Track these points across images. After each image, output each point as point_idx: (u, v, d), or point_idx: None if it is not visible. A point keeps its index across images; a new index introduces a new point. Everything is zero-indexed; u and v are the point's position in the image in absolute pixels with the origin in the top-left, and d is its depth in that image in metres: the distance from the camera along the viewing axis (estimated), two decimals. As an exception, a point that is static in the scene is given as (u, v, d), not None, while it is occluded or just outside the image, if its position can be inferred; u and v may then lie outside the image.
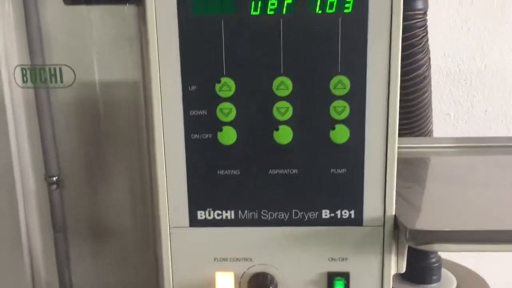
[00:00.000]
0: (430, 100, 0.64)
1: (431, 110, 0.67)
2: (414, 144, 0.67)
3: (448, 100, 1.21)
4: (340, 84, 0.39)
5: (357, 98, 0.40)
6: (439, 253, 0.66)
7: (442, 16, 1.10)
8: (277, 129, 0.40)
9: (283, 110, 0.40)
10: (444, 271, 0.68)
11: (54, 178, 0.55)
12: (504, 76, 1.23)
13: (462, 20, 1.16)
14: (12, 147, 0.51)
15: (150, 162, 0.56)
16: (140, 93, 0.52)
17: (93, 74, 0.49)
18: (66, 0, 0.50)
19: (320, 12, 0.38)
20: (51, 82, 0.42)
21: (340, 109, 0.40)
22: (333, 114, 0.40)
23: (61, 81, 0.42)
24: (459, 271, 0.71)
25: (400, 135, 0.41)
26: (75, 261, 0.61)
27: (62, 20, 0.49)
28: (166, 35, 0.39)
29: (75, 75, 0.43)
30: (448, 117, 1.22)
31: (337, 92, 0.40)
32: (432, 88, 0.78)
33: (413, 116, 0.62)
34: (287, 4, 0.38)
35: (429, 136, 0.69)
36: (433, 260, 0.65)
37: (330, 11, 0.38)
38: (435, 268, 0.65)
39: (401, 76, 0.39)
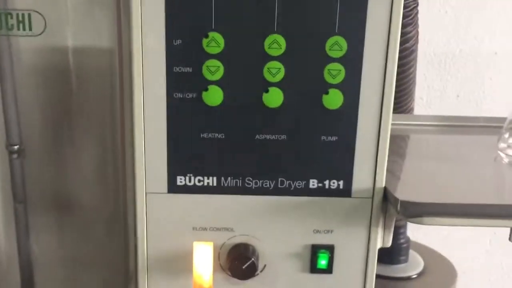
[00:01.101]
0: (414, 76, 0.63)
1: (415, 86, 0.65)
2: (395, 121, 0.65)
3: (421, 84, 1.21)
4: (337, 45, 0.37)
5: (353, 61, 0.37)
6: (408, 234, 0.66)
7: (420, -2, 1.10)
8: (267, 91, 0.38)
9: (274, 71, 0.37)
10: (411, 253, 0.68)
11: (15, 147, 0.51)
12: (477, 61, 1.23)
13: (439, 3, 1.16)
14: None
15: (123, 133, 0.52)
16: (115, 60, 0.48)
17: (64, 32, 0.45)
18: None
19: (319, -35, 0.35)
20: (18, 29, 0.37)
21: (335, 73, 0.37)
22: (327, 77, 0.37)
23: (30, 29, 0.38)
24: (426, 253, 0.71)
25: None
26: (37, 234, 0.57)
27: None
28: (151, -20, 0.35)
29: (45, 22, 0.38)
30: (420, 101, 1.22)
31: (333, 54, 0.37)
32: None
33: (397, 91, 0.60)
34: (285, -46, 0.35)
35: (410, 113, 0.67)
36: (402, 241, 0.65)
37: (330, -35, 0.35)
38: (404, 248, 0.65)
39: (389, 48, 0.37)
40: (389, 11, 0.37)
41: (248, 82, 0.37)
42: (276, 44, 0.37)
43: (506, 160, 0.52)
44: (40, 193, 0.56)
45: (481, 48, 1.20)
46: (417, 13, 0.58)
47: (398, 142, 0.63)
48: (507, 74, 1.19)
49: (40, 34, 0.39)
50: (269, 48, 0.37)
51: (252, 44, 0.37)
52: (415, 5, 0.56)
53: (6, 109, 0.50)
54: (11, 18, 0.37)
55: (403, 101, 0.64)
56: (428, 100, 1.23)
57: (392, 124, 0.65)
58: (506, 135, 0.55)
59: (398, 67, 0.62)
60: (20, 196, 0.55)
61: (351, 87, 0.38)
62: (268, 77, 0.37)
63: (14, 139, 0.52)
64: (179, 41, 0.36)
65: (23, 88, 0.49)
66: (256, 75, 0.37)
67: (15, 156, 0.52)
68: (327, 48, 0.37)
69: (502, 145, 0.54)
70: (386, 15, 0.37)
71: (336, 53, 0.37)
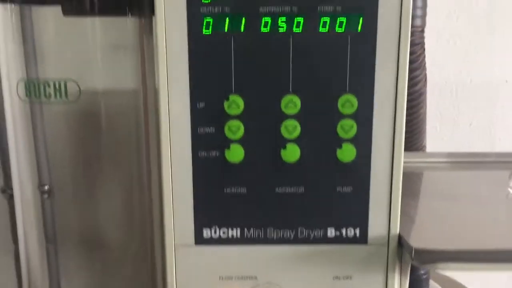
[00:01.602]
0: (425, 116, 0.65)
1: (425, 125, 0.68)
2: (408, 159, 0.67)
3: (434, 112, 1.23)
4: (348, 103, 0.40)
5: (364, 117, 0.40)
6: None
7: (429, 30, 1.12)
8: (285, 147, 0.40)
9: (291, 128, 0.40)
10: (432, 284, 0.68)
11: (46, 187, 0.54)
12: (489, 90, 1.25)
13: (448, 34, 1.18)
14: (11, 155, 0.50)
15: (149, 172, 0.55)
16: (140, 102, 0.51)
17: (92, 83, 0.48)
18: (65, 12, 0.49)
19: (329, 31, 0.38)
20: (55, 97, 0.41)
21: (347, 128, 0.40)
22: (341, 132, 0.40)
23: (66, 96, 0.41)
24: (447, 283, 0.72)
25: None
26: (68, 273, 0.59)
27: (60, 29, 0.49)
28: (175, 52, 0.39)
29: (80, 90, 0.42)
30: (434, 130, 1.24)
31: (345, 110, 0.40)
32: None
33: (409, 131, 0.62)
34: (297, 22, 0.38)
35: (423, 150, 0.69)
36: (422, 271, 0.66)
37: (340, 30, 0.38)
38: (424, 280, 0.66)
39: (399, 92, 0.40)
40: (395, 68, 0.39)
41: (267, 140, 0.40)
42: (291, 103, 0.40)
43: (517, 198, 0.53)
44: (69, 233, 0.58)
45: (492, 77, 1.22)
46: (424, 57, 0.61)
47: (412, 179, 0.65)
48: (519, 102, 1.19)
49: (75, 101, 0.43)
50: (285, 107, 0.40)
51: (269, 104, 0.40)
52: (421, 51, 0.58)
53: (37, 151, 0.52)
54: (49, 87, 0.41)
55: (414, 140, 0.66)
56: (441, 128, 1.24)
57: (406, 162, 0.67)
58: (517, 173, 0.57)
59: (408, 109, 0.64)
60: (50, 235, 0.58)
61: (363, 140, 0.40)
62: (285, 134, 0.40)
63: (44, 179, 0.54)
64: (202, 104, 0.40)
65: (53, 130, 0.52)
66: (274, 133, 0.40)
67: (45, 196, 0.55)
68: (339, 105, 0.40)
69: (513, 183, 0.55)
70: (393, 72, 0.39)
71: (348, 110, 0.40)
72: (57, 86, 0.40)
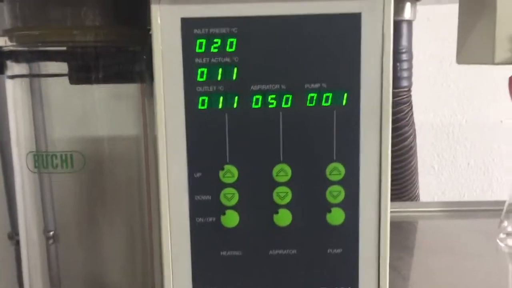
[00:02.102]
0: (416, 168, 0.68)
1: (417, 176, 0.70)
2: (403, 208, 0.70)
3: (432, 153, 1.26)
4: (336, 170, 0.42)
5: (351, 183, 0.42)
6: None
7: (423, 74, 1.16)
8: (277, 213, 0.43)
9: (283, 195, 0.43)
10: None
11: (51, 233, 0.56)
12: (484, 130, 1.27)
13: (442, 78, 1.22)
14: (18, 204, 0.52)
15: (150, 216, 0.57)
16: (141, 153, 0.54)
17: (94, 125, 0.50)
18: (72, 81, 0.53)
19: (316, 106, 0.41)
20: (61, 167, 0.44)
21: (335, 194, 0.43)
22: (329, 198, 0.43)
23: (72, 166, 0.44)
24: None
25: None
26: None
27: (65, 93, 0.52)
28: (173, 127, 0.42)
29: (85, 161, 0.45)
30: (432, 169, 1.26)
31: (333, 177, 0.42)
32: (417, 141, 0.83)
33: (401, 183, 0.65)
34: (286, 98, 0.41)
35: (416, 200, 0.72)
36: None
37: (326, 104, 0.41)
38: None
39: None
40: (379, 137, 0.42)
41: (260, 206, 0.43)
42: (283, 172, 0.42)
43: (506, 250, 0.55)
44: (73, 277, 0.60)
45: (485, 117, 1.25)
46: (412, 114, 0.64)
47: (407, 229, 0.67)
48: (513, 142, 1.21)
49: (80, 170, 0.46)
50: (277, 175, 0.42)
51: (262, 173, 0.42)
52: (409, 109, 0.62)
53: (43, 199, 0.55)
54: (56, 158, 0.44)
55: (407, 190, 0.69)
56: (439, 168, 1.27)
57: (401, 212, 0.69)
58: (505, 223, 0.59)
59: (400, 162, 0.67)
60: (55, 280, 0.59)
61: (351, 204, 0.43)
62: (277, 200, 0.43)
63: (50, 225, 0.57)
64: (199, 174, 0.42)
65: (59, 191, 0.54)
66: (267, 199, 0.43)
67: (50, 241, 0.57)
68: (327, 173, 0.42)
69: (501, 235, 0.57)
70: (376, 141, 0.42)
71: (335, 177, 0.42)
72: (63, 157, 0.44)
